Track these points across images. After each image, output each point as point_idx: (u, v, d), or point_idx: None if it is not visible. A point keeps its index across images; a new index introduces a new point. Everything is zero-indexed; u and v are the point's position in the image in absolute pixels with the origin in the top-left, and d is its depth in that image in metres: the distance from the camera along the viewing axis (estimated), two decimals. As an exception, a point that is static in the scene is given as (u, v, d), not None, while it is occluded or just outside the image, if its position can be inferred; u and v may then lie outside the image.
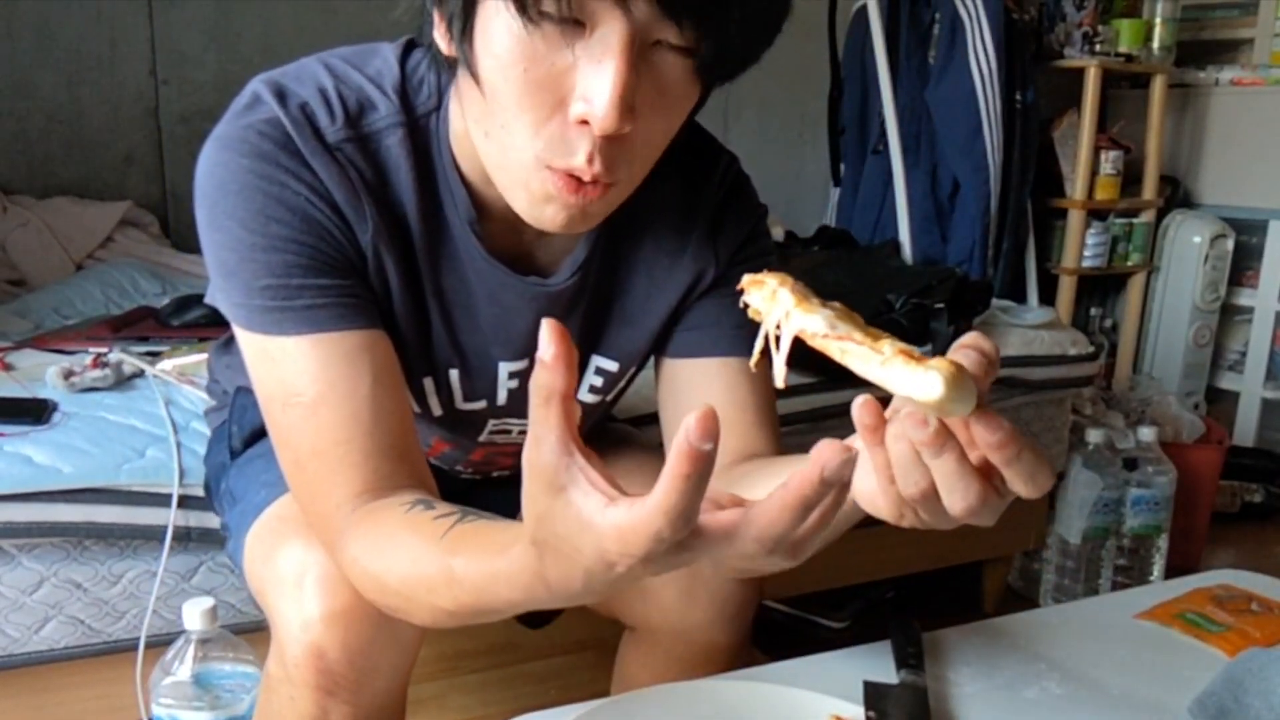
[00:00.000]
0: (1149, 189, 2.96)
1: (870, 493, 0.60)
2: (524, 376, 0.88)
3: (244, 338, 0.76)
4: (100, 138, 2.28)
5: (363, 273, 0.77)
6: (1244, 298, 3.03)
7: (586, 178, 0.67)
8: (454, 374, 0.87)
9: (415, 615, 0.68)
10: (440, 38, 0.71)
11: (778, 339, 0.52)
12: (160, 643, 1.20)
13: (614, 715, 0.78)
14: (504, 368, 0.88)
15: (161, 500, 1.24)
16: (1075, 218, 2.84)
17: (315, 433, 0.73)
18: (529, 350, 0.86)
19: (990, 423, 0.53)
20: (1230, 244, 2.97)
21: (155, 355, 1.46)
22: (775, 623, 1.93)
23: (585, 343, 0.90)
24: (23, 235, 2.05)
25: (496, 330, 0.85)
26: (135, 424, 1.30)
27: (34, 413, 1.27)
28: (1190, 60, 3.05)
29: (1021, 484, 0.55)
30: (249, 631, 1.13)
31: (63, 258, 2.06)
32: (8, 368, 1.42)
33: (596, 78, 0.63)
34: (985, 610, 2.06)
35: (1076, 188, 2.82)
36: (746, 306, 0.53)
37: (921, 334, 1.82)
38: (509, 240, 0.82)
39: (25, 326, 1.69)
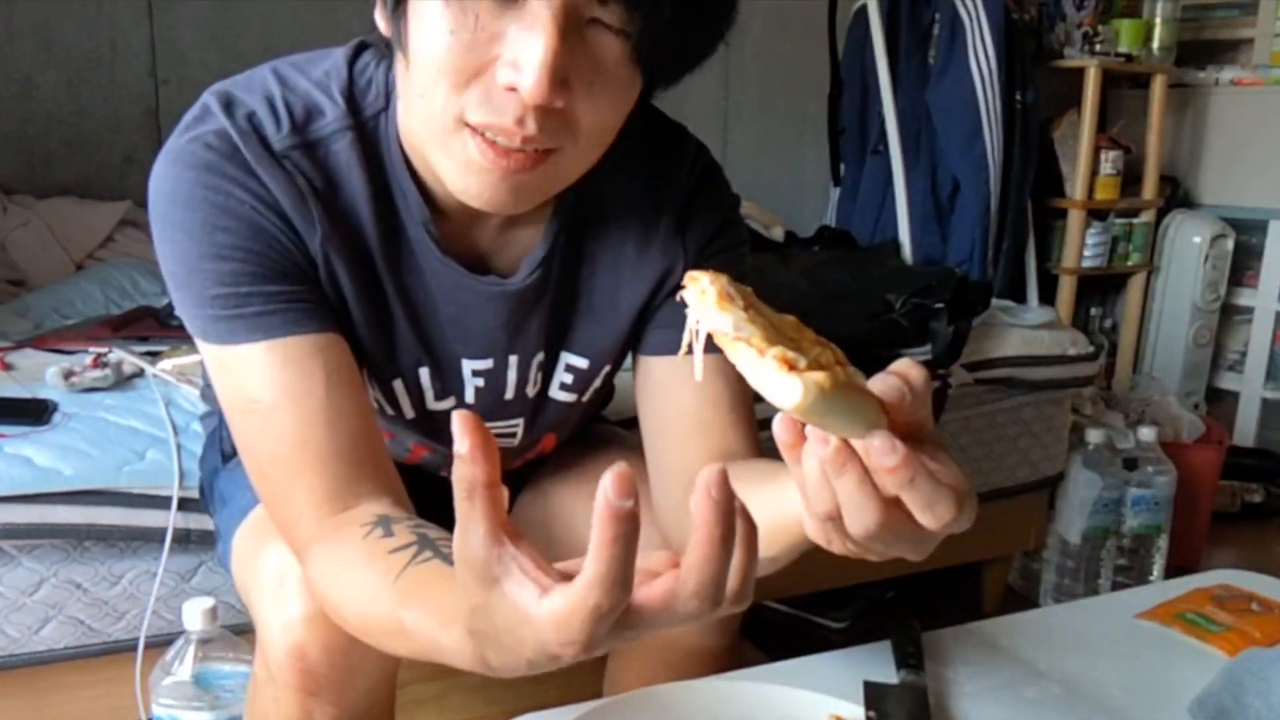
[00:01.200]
0: (1149, 189, 2.96)
1: (804, 515, 0.59)
2: (488, 376, 0.88)
3: (201, 347, 0.77)
4: (100, 138, 2.28)
5: (314, 279, 0.77)
6: (1244, 298, 3.03)
7: (515, 140, 0.66)
8: (424, 373, 0.87)
9: (375, 647, 0.66)
10: (380, 18, 0.72)
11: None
12: (160, 642, 1.20)
13: (614, 715, 0.78)
14: (467, 365, 0.87)
15: (162, 502, 1.24)
16: (1075, 218, 2.84)
17: (273, 438, 0.73)
18: (490, 349, 0.86)
19: (884, 445, 0.52)
20: (1230, 244, 2.97)
21: (155, 355, 1.46)
22: (775, 623, 1.93)
23: (552, 339, 0.89)
24: (23, 235, 2.05)
25: (457, 329, 0.85)
26: (135, 425, 1.30)
27: (34, 413, 1.27)
28: (1190, 60, 3.05)
29: (919, 511, 0.54)
30: (249, 631, 1.13)
31: (63, 258, 2.06)
32: (8, 368, 1.42)
33: (526, 46, 0.63)
34: (985, 610, 2.06)
35: (1076, 188, 2.82)
36: (684, 304, 0.52)
37: (921, 334, 1.82)
38: (466, 239, 0.82)
39: (25, 326, 1.69)
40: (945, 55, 2.58)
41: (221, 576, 1.31)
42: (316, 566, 0.70)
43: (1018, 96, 2.59)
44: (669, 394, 0.87)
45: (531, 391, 0.91)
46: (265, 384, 0.73)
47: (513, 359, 0.88)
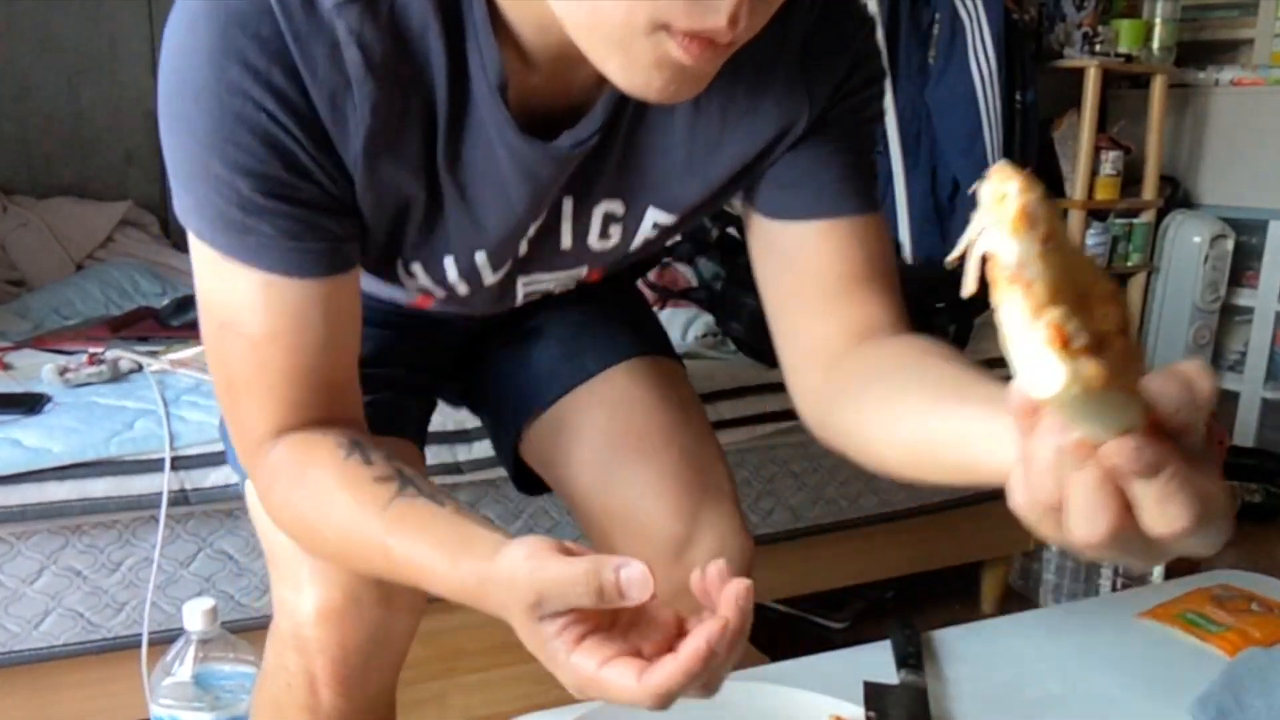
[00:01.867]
0: (1149, 189, 2.96)
1: (1015, 480, 0.47)
2: (540, 228, 0.77)
3: (194, 241, 0.67)
4: (100, 138, 2.28)
5: (337, 199, 0.66)
6: (1244, 298, 3.03)
7: (726, 39, 0.55)
8: (480, 256, 0.76)
9: (343, 566, 0.69)
10: None
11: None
12: (160, 640, 1.20)
13: (615, 715, 0.78)
14: (532, 228, 0.76)
15: (154, 466, 1.24)
16: (1075, 218, 2.84)
17: (254, 368, 0.68)
18: (548, 203, 0.75)
19: (1125, 447, 0.40)
20: (1230, 244, 2.97)
21: (155, 355, 1.47)
22: (775, 623, 1.93)
23: (636, 192, 0.76)
24: (23, 235, 2.05)
25: (531, 205, 0.73)
26: (126, 404, 1.30)
27: (27, 404, 1.27)
28: (1190, 60, 3.05)
29: (1148, 506, 0.42)
30: (249, 630, 1.13)
31: (63, 258, 2.06)
32: (6, 367, 1.43)
33: None
34: (985, 610, 2.06)
35: (1076, 188, 2.82)
36: (974, 195, 0.41)
37: (923, 332, 1.82)
38: (547, 95, 0.69)
39: (25, 327, 1.70)
40: (945, 55, 2.58)
41: (219, 564, 1.31)
42: (286, 488, 0.69)
43: (1018, 96, 2.59)
44: (796, 262, 0.76)
45: (605, 244, 0.80)
46: (256, 318, 0.66)
47: (567, 205, 0.76)
